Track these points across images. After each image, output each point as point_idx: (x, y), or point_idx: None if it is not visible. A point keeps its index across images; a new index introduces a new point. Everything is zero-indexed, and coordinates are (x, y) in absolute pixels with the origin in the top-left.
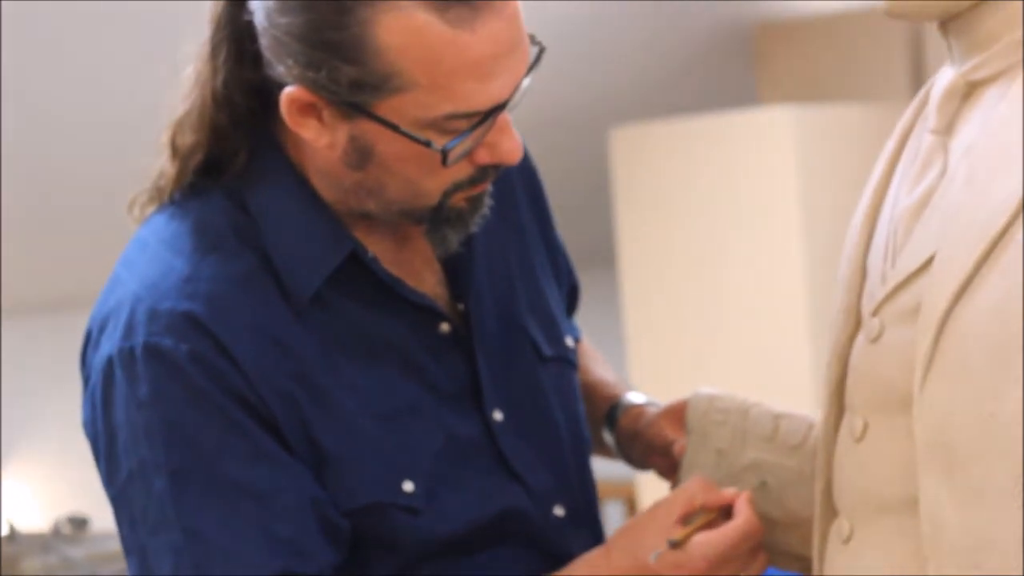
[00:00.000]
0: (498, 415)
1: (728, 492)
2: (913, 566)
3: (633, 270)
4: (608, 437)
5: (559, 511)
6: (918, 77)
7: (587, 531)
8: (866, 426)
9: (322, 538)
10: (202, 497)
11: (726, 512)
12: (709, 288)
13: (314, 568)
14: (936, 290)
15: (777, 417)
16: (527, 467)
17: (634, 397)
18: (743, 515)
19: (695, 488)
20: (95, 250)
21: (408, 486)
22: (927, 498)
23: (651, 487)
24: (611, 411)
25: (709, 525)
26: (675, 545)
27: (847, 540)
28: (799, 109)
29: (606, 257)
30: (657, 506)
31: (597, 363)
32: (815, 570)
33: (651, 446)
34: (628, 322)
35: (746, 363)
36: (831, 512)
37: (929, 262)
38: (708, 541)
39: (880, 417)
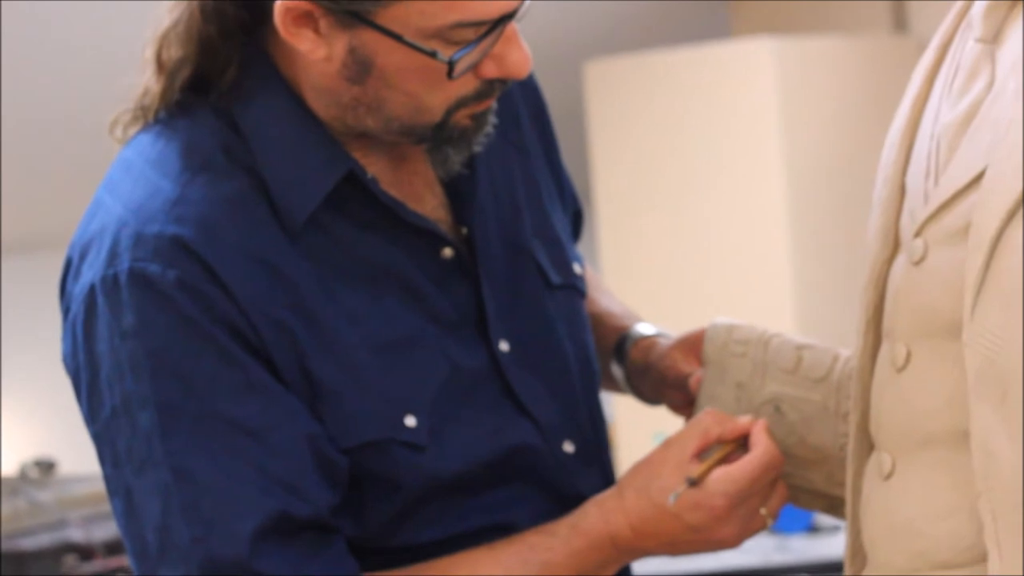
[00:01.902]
0: (504, 345)
1: (743, 421)
2: (961, 502)
3: (609, 207)
4: (617, 370)
5: (568, 447)
6: (898, 9)
7: (597, 469)
8: (909, 354)
9: (319, 477)
10: (191, 433)
11: (743, 444)
12: (687, 226)
13: (310, 509)
14: (987, 208)
15: (799, 348)
16: (535, 401)
17: (644, 328)
18: (761, 445)
19: (708, 420)
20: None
21: (410, 421)
22: (979, 430)
23: (627, 430)
24: (620, 343)
25: (726, 459)
26: (693, 483)
27: (888, 476)
28: (778, 41)
29: (581, 194)
30: (670, 442)
31: (602, 293)
32: (849, 508)
33: (664, 379)
34: (604, 261)
35: (726, 301)
36: (867, 447)
37: (978, 179)
38: (727, 476)
39: (924, 344)
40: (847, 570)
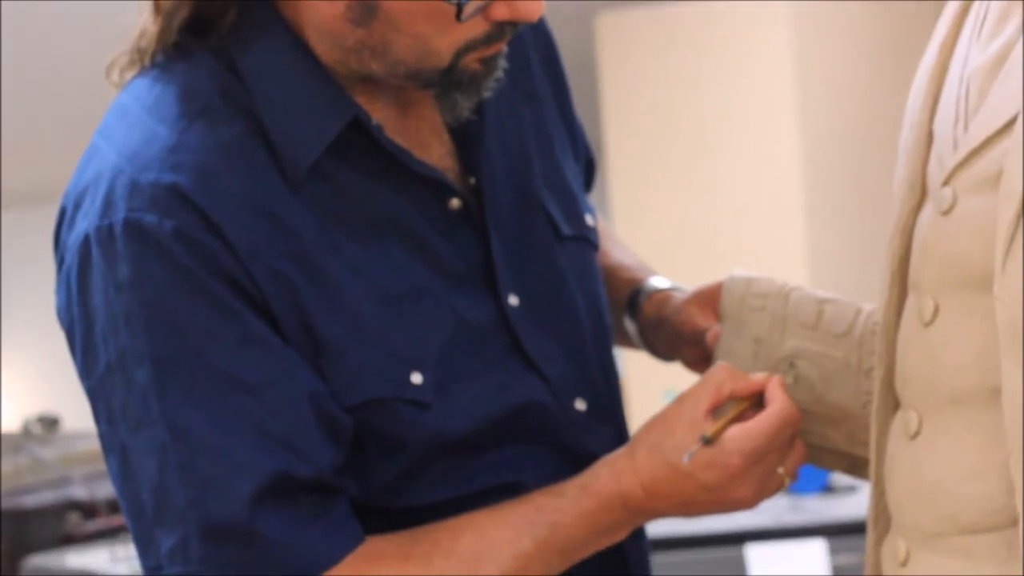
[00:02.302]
0: (513, 299)
1: (758, 377)
2: (991, 462)
3: (620, 162)
4: (630, 325)
5: (580, 405)
6: None
7: (609, 428)
8: (937, 308)
9: (321, 435)
10: (188, 390)
11: (758, 401)
12: (700, 180)
13: (311, 469)
14: (1020, 155)
15: (820, 302)
16: (545, 357)
17: (658, 282)
18: (778, 402)
19: (722, 376)
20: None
21: (416, 378)
22: (1011, 386)
23: (638, 387)
24: (633, 296)
25: (741, 416)
26: (708, 442)
27: (915, 435)
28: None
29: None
30: (682, 398)
31: (615, 245)
32: (872, 468)
33: (679, 334)
34: (615, 215)
35: (738, 255)
36: (892, 404)
37: (1010, 124)
38: (743, 434)
39: (953, 297)
40: (870, 533)
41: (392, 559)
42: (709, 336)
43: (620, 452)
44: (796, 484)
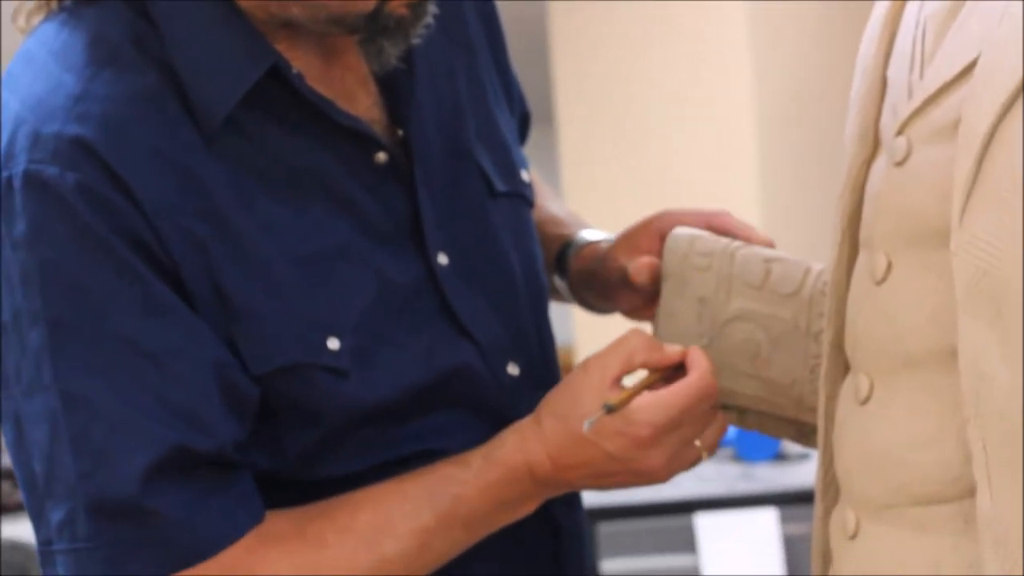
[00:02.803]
0: (443, 258)
1: (673, 350)
2: (948, 429)
3: (571, 127)
4: (560, 283)
5: (513, 369)
6: None
7: (544, 393)
8: (890, 265)
9: (224, 408)
10: (85, 355)
11: (679, 368)
12: (652, 146)
13: (212, 443)
14: (979, 101)
15: (768, 261)
16: (476, 318)
17: (589, 235)
18: (697, 371)
19: (635, 343)
20: None
21: (333, 344)
22: (969, 349)
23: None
24: (562, 252)
25: (654, 386)
26: (611, 410)
27: (865, 400)
28: None
29: (543, 113)
30: (589, 364)
31: (545, 198)
32: (821, 435)
33: (608, 282)
34: (565, 183)
35: None
36: (842, 368)
37: (969, 69)
38: (653, 403)
39: (907, 254)
40: (818, 504)
41: (287, 538)
42: (634, 268)
43: (527, 420)
44: (747, 452)
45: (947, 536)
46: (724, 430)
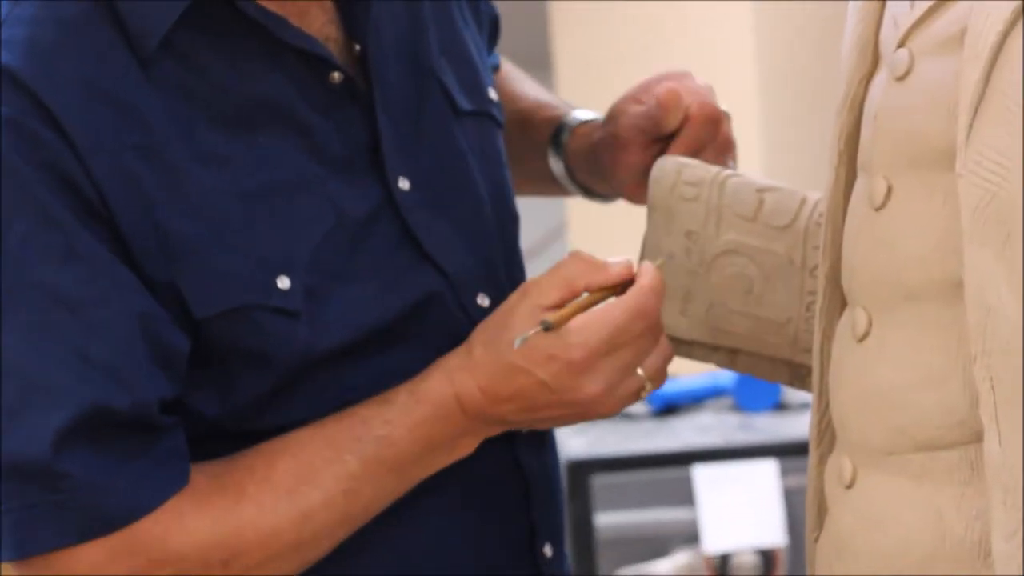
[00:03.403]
0: (404, 183)
1: (618, 265)
2: (952, 368)
3: (569, 74)
4: (556, 164)
5: (483, 300)
6: None
7: None
8: (890, 190)
9: (149, 364)
10: None
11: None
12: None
13: (134, 402)
14: (987, 9)
15: (761, 191)
16: (442, 247)
17: (582, 114)
18: (639, 288)
19: (575, 266)
20: None
21: (283, 283)
22: (976, 279)
23: None
24: (556, 133)
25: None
26: (548, 328)
27: (863, 337)
28: None
29: (540, 59)
30: (526, 289)
31: (526, 85)
32: (815, 377)
33: (616, 144)
34: None
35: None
36: (839, 303)
37: None
38: (586, 323)
39: (908, 177)
40: (812, 451)
41: (204, 494)
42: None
43: (456, 350)
44: (747, 401)
45: (951, 485)
46: (669, 358)
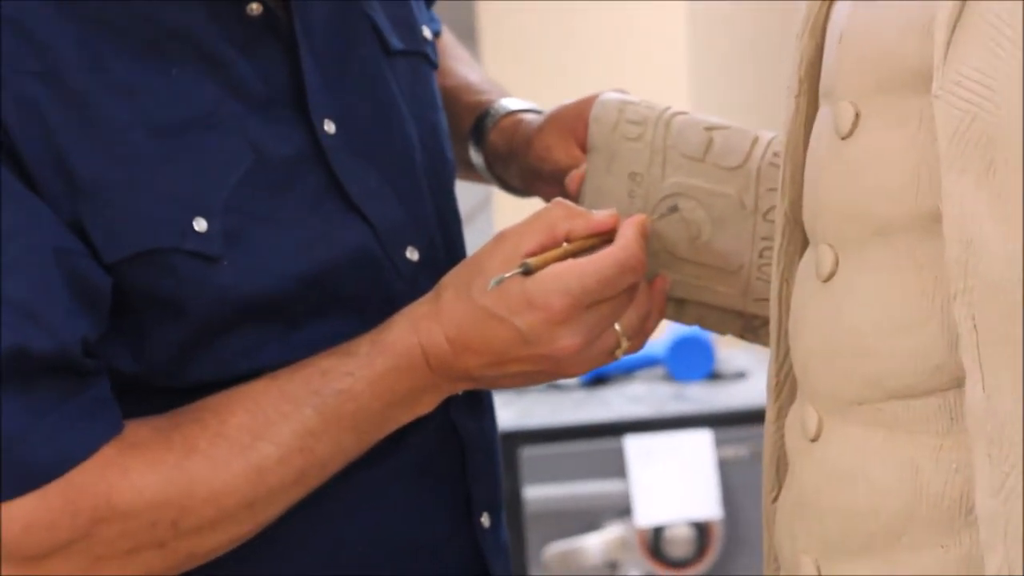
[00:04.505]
0: (329, 126)
1: (602, 214)
2: (928, 308)
3: (494, 46)
4: (475, 156)
5: (412, 254)
6: None
7: None
8: (857, 116)
9: (69, 302)
10: None
11: (607, 242)
12: (580, 69)
13: (55, 343)
14: None
15: (710, 130)
16: (370, 195)
17: (509, 103)
18: (625, 239)
19: (556, 213)
20: None
21: (200, 225)
22: (955, 210)
23: None
24: (479, 122)
25: (576, 256)
26: (527, 272)
27: (828, 277)
28: None
29: (466, 32)
30: (503, 236)
31: (458, 62)
32: (773, 323)
33: (534, 171)
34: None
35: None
36: (799, 242)
37: None
38: (570, 270)
39: (878, 102)
40: (770, 404)
41: (150, 447)
42: (571, 179)
43: (423, 298)
44: (679, 371)
45: (927, 435)
46: (647, 315)
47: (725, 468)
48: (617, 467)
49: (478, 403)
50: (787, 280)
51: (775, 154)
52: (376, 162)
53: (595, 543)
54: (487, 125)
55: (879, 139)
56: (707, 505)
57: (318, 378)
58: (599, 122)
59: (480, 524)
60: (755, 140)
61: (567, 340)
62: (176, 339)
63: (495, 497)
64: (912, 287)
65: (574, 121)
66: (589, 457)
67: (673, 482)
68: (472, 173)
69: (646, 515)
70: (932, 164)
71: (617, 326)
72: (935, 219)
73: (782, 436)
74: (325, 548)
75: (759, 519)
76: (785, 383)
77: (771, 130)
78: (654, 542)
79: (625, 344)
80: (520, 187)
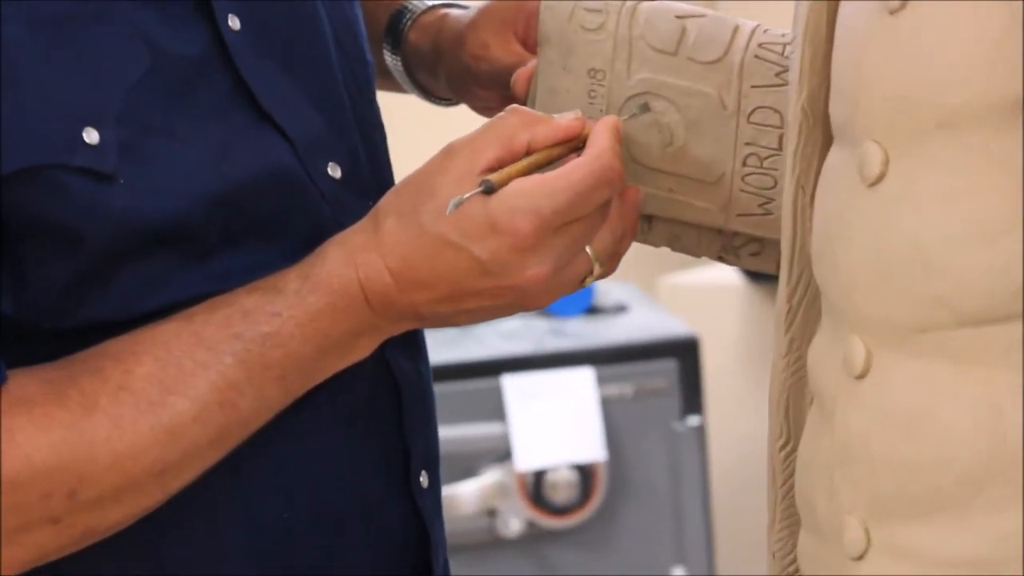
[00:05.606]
0: (234, 22)
1: (569, 120)
2: (1006, 214)
3: None
4: (392, 61)
5: (334, 171)
6: None
7: (374, 202)
8: None
9: None
10: None
11: (577, 149)
12: None
13: None
14: None
15: (683, 18)
16: (283, 103)
17: None
18: (597, 147)
19: (514, 121)
20: None
21: (91, 136)
22: None
23: None
24: (393, 20)
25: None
26: (490, 190)
27: (876, 180)
28: None
29: None
30: (453, 149)
31: None
32: (786, 239)
33: (468, 73)
34: None
35: None
36: (819, 141)
37: None
38: (538, 186)
39: None
40: (780, 337)
41: (39, 404)
42: (518, 77)
43: (357, 226)
44: (556, 305)
45: (1010, 370)
46: (620, 236)
47: (608, 407)
48: (495, 408)
49: (414, 342)
50: (802, 187)
51: (760, 45)
52: (288, 65)
53: (471, 489)
54: (404, 23)
55: (943, 10)
56: (590, 447)
57: (239, 319)
58: (552, 9)
59: (419, 484)
60: (736, 29)
61: (535, 268)
62: (65, 273)
63: (434, 452)
64: (988, 190)
65: (514, 12)
66: (465, 398)
67: (553, 423)
68: (389, 81)
69: (526, 459)
70: (1012, 40)
71: (588, 249)
72: (1016, 107)
73: (793, 373)
74: (238, 517)
75: (645, 461)
76: (798, 310)
77: (752, 20)
78: (535, 487)
79: (598, 270)
80: (449, 94)
